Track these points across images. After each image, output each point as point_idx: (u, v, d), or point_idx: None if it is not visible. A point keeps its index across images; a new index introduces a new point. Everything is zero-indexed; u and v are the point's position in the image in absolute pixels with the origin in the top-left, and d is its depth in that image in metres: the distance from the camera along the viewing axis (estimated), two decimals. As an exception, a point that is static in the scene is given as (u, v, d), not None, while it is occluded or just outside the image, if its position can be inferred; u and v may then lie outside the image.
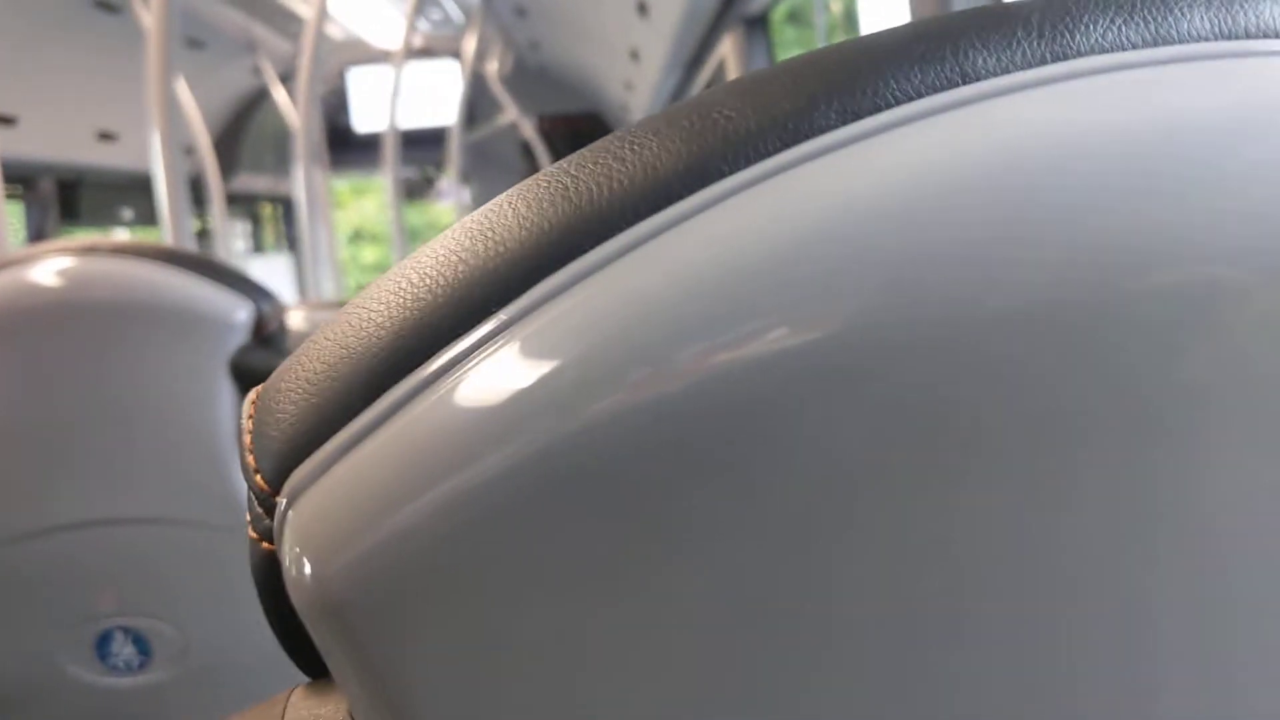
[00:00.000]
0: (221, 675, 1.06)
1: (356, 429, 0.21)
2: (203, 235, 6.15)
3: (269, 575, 0.22)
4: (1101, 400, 0.19)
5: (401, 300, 0.22)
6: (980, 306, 0.18)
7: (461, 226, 0.23)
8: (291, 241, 8.19)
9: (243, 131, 7.42)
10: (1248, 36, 0.21)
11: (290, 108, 5.48)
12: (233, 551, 1.02)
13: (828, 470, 0.19)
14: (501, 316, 0.20)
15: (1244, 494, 0.19)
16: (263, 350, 1.01)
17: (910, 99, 0.20)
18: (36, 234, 5.40)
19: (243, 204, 8.02)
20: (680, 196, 0.20)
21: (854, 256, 0.19)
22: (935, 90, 0.20)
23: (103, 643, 1.05)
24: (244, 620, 1.06)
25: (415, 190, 8.11)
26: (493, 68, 6.57)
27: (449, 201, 7.04)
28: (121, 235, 6.42)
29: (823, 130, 0.20)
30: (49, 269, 0.99)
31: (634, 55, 4.98)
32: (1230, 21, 0.21)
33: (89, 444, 1.01)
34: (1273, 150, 0.19)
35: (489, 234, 0.22)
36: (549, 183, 0.22)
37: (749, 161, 0.20)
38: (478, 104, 6.93)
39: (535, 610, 0.19)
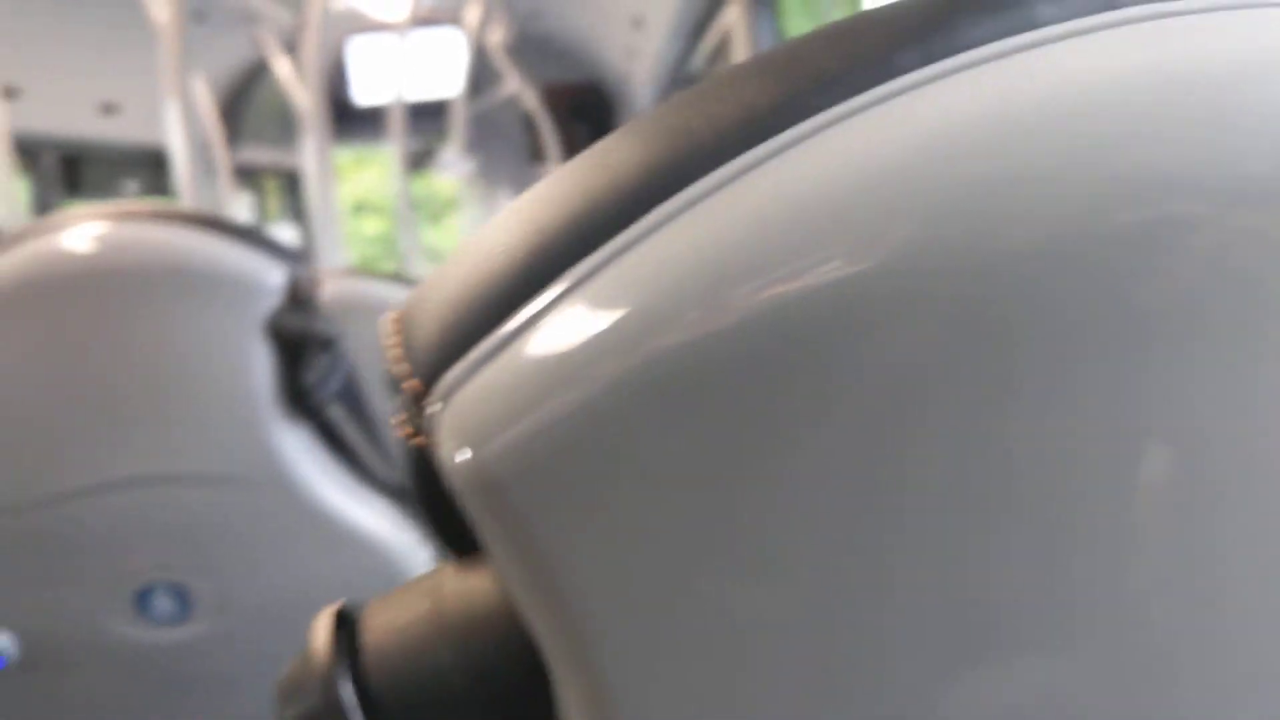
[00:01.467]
0: (260, 627, 1.09)
1: (502, 335, 0.23)
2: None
3: (421, 467, 0.25)
4: (1133, 312, 0.21)
5: (527, 227, 0.24)
6: (1046, 229, 0.21)
7: (574, 165, 0.25)
8: (295, 213, 8.21)
9: (245, 104, 7.42)
10: None
11: (292, 80, 5.49)
12: (270, 505, 1.05)
13: (889, 383, 0.21)
14: (624, 237, 0.23)
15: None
16: (297, 313, 1.04)
17: (983, 43, 0.23)
18: (41, 208, 5.42)
19: (246, 176, 8.03)
20: (776, 130, 0.23)
21: (924, 188, 0.21)
22: (1005, 35, 0.23)
23: (143, 598, 1.09)
24: (281, 571, 1.10)
25: (417, 161, 8.11)
26: (495, 37, 6.56)
27: (452, 173, 7.05)
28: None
29: (904, 71, 0.23)
30: (84, 234, 1.02)
31: (636, 23, 4.99)
32: None
33: (127, 405, 1.04)
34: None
35: (603, 169, 0.24)
36: (653, 122, 0.24)
37: (839, 98, 0.23)
38: (479, 74, 6.93)
39: (660, 497, 0.22)
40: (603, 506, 0.22)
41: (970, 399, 0.21)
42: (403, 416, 0.25)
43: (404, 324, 0.26)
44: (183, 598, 1.09)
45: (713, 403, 0.22)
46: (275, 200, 8.69)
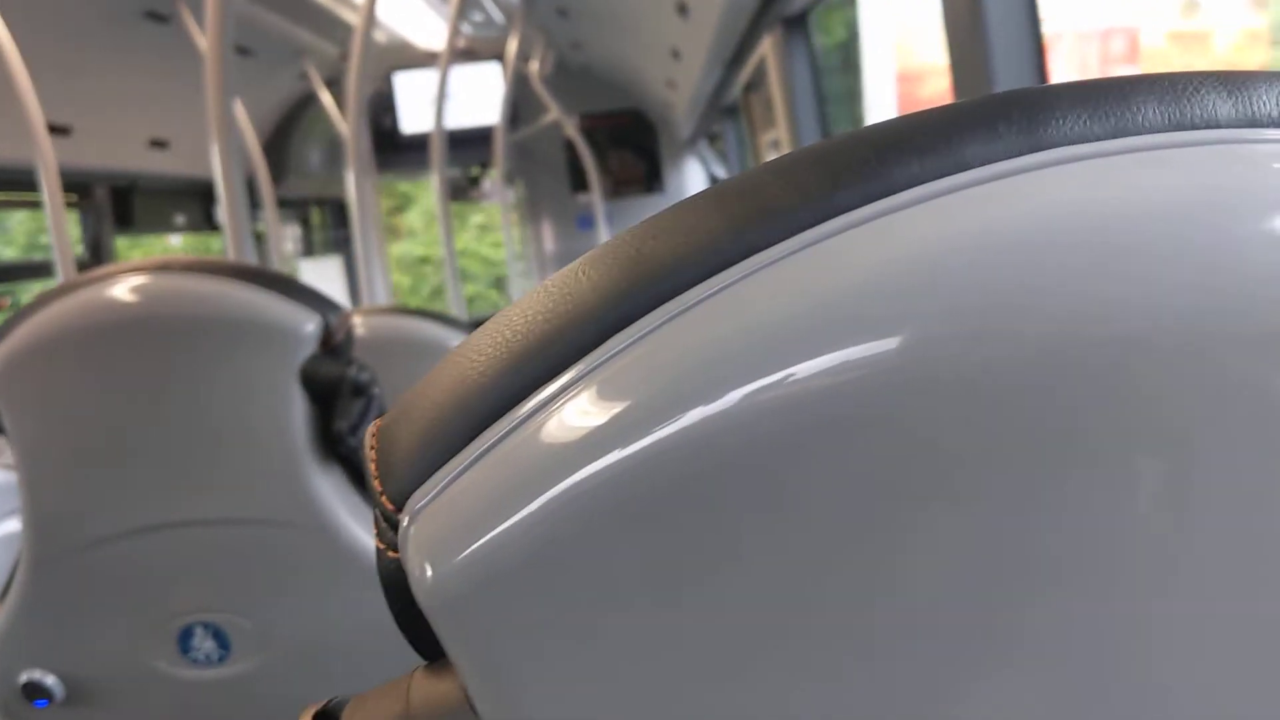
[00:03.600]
0: (298, 666, 1.12)
1: (467, 457, 0.26)
2: (255, 239, 6.25)
3: (394, 579, 0.27)
4: (1103, 426, 0.23)
5: (497, 354, 0.27)
6: (968, 361, 0.23)
7: (544, 288, 0.27)
8: (339, 244, 8.30)
9: (291, 137, 7.54)
10: (1194, 127, 0.25)
11: (337, 113, 5.58)
12: (306, 547, 1.08)
13: (856, 497, 0.23)
14: (581, 366, 0.25)
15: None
16: (330, 359, 1.07)
17: (912, 185, 0.25)
18: (93, 241, 5.52)
19: (292, 208, 8.13)
20: (728, 265, 0.25)
21: (868, 316, 0.23)
22: (934, 177, 0.25)
23: (185, 637, 1.12)
24: (318, 612, 1.12)
25: (460, 191, 8.19)
26: (535, 68, 6.63)
27: (494, 201, 7.12)
28: (175, 240, 6.53)
29: (847, 209, 0.25)
30: (126, 286, 1.06)
31: (675, 54, 5.02)
32: (1179, 114, 0.25)
33: (168, 450, 1.07)
34: (1211, 228, 0.23)
35: (567, 297, 0.26)
36: (616, 250, 0.27)
37: (786, 234, 0.25)
38: (521, 104, 7.00)
39: (609, 608, 0.24)
40: (557, 620, 0.24)
41: (940, 507, 0.23)
42: (377, 530, 0.28)
43: (382, 439, 0.28)
44: (223, 637, 1.12)
45: (665, 519, 0.24)
46: (321, 232, 8.79)
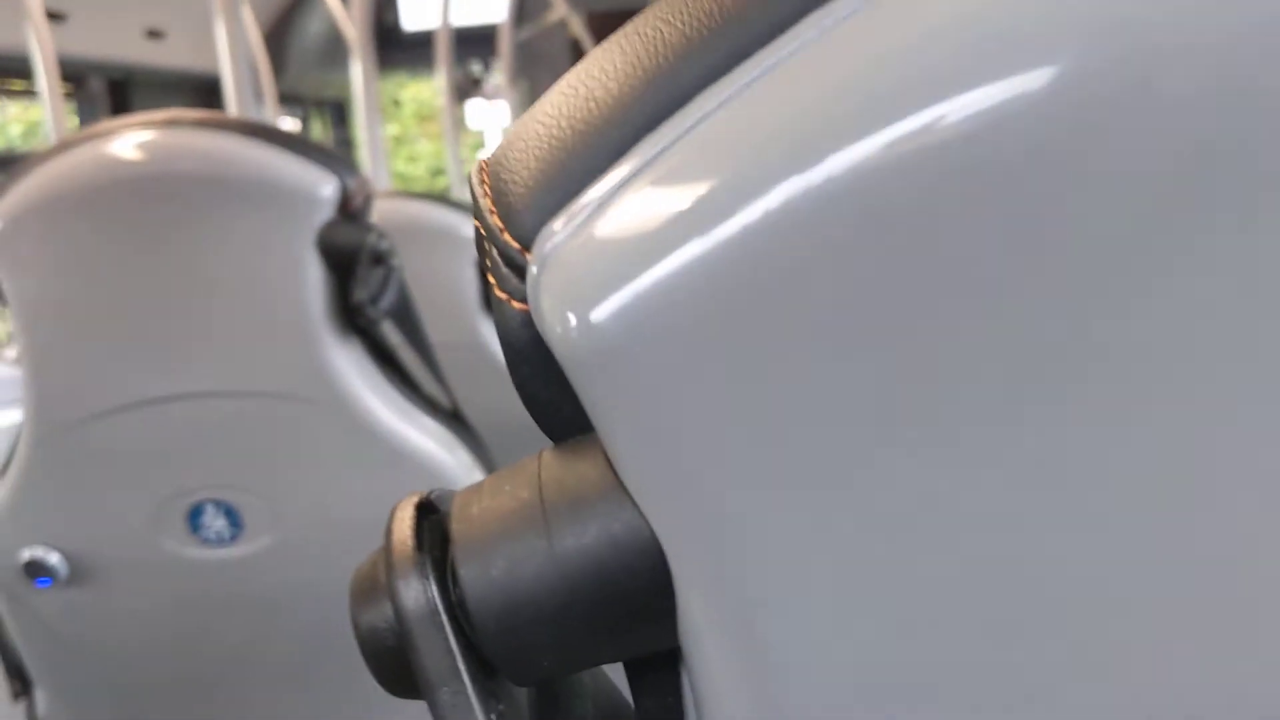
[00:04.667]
0: (311, 545, 1.08)
1: (614, 180, 0.20)
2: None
3: (520, 336, 0.21)
4: None
5: (639, 57, 0.21)
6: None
7: (657, 9, 0.22)
8: (340, 143, 8.18)
9: (290, 32, 7.37)
10: None
11: (338, 5, 5.43)
12: (322, 423, 1.03)
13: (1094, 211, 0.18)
14: (752, 65, 0.19)
15: None
16: (349, 226, 1.01)
17: None
18: (89, 134, 5.43)
19: (291, 105, 8.00)
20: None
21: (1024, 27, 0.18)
22: None
23: (194, 515, 1.07)
24: (333, 489, 1.07)
25: (462, 92, 8.05)
26: (542, -37, 6.47)
27: (499, 102, 6.99)
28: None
29: None
30: (131, 141, 0.99)
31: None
32: None
33: (175, 317, 1.01)
34: None
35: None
36: None
37: None
38: (526, 1, 6.84)
39: (817, 357, 0.18)
40: (742, 370, 0.19)
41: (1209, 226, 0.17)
42: (496, 278, 0.22)
43: (494, 173, 0.23)
44: (234, 516, 1.07)
45: (884, 238, 0.18)
46: (323, 130, 8.67)
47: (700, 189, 0.19)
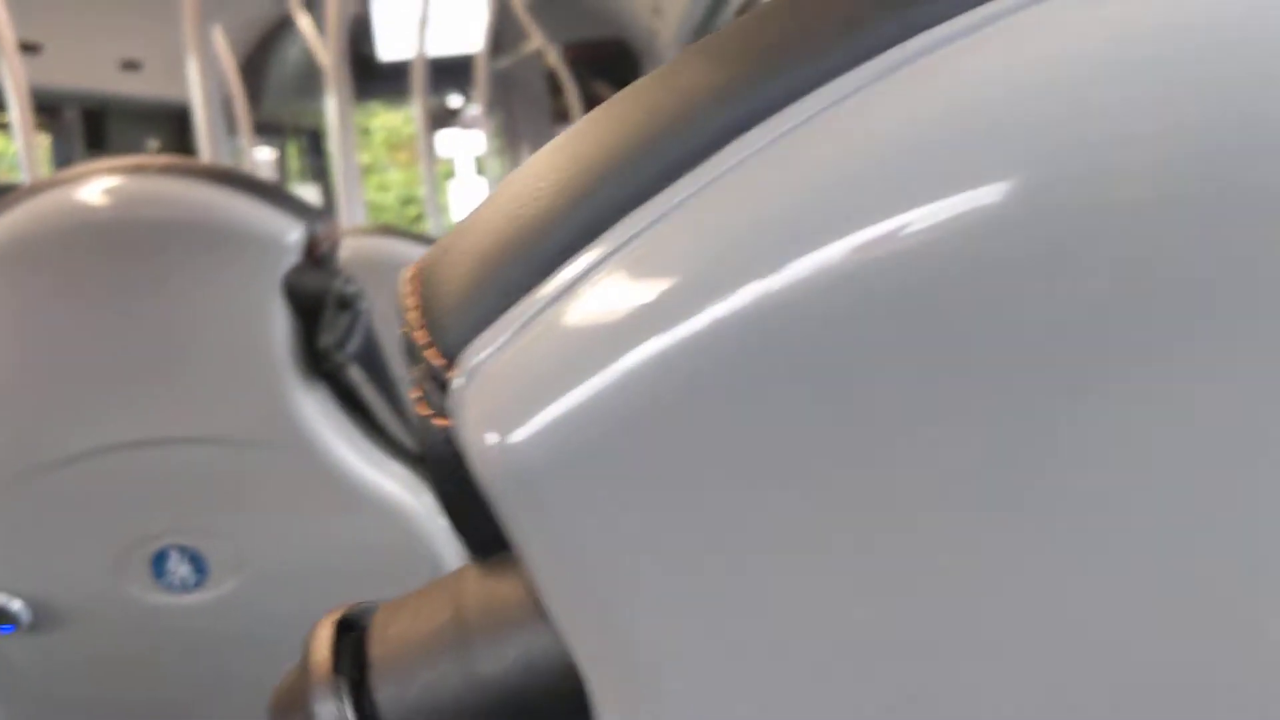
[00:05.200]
0: (277, 590, 1.07)
1: (541, 297, 0.20)
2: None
3: (443, 453, 0.21)
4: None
5: (574, 170, 0.21)
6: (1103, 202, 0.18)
7: (622, 97, 0.22)
8: (316, 172, 8.17)
9: (267, 63, 7.37)
10: None
11: (315, 36, 5.44)
12: (288, 468, 1.03)
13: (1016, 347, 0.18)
14: (694, 177, 0.20)
15: None
16: (315, 271, 1.01)
17: None
18: (63, 165, 5.41)
19: (268, 135, 8.00)
20: (815, 87, 0.19)
21: (986, 140, 0.18)
22: None
23: (158, 561, 1.06)
24: (298, 534, 1.07)
25: (438, 120, 8.06)
26: (518, -7, 6.49)
27: (476, 130, 7.00)
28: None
29: (935, 21, 0.19)
30: (97, 187, 0.99)
31: (663, -21, 4.92)
32: None
33: (143, 363, 1.01)
34: None
35: (670, 95, 0.21)
36: (729, 40, 0.21)
37: (863, 59, 0.19)
38: (503, 31, 6.85)
39: (726, 485, 0.19)
40: (654, 499, 0.19)
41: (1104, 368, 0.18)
42: (421, 391, 0.22)
43: (424, 282, 0.23)
44: (199, 561, 1.06)
45: (801, 372, 0.18)
46: (298, 160, 8.65)
47: (619, 315, 0.19)
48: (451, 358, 0.21)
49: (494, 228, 0.22)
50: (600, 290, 0.19)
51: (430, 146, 4.81)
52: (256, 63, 7.19)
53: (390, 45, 7.11)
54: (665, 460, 0.19)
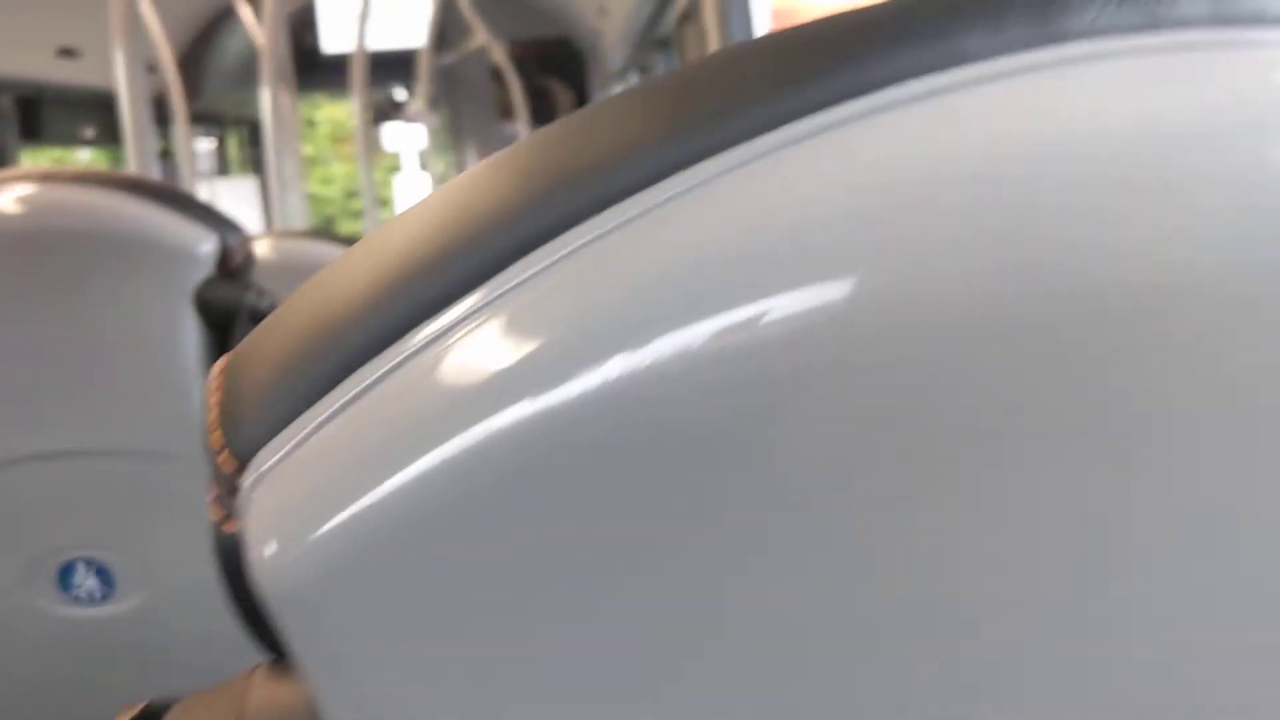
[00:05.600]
0: (185, 605, 1.06)
1: (332, 403, 0.20)
2: (166, 155, 6.05)
3: (231, 556, 0.21)
4: (1079, 402, 0.18)
5: (376, 275, 0.21)
6: (947, 304, 0.18)
7: (439, 197, 0.22)
8: (257, 164, 8.07)
9: (209, 51, 7.27)
10: (1244, 23, 0.20)
11: (256, 26, 5.37)
12: (196, 480, 1.02)
13: (828, 468, 0.18)
14: (482, 293, 0.20)
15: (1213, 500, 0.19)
16: (228, 283, 1.00)
17: (900, 81, 0.20)
18: (-2, 152, 5.31)
19: (209, 124, 7.88)
20: (664, 177, 0.20)
21: (831, 247, 0.18)
22: (925, 72, 0.20)
23: (65, 574, 1.05)
24: (207, 549, 1.06)
25: (383, 114, 7.99)
26: (464, -11, 6.44)
27: (419, 125, 6.95)
28: (84, 154, 6.30)
29: (808, 113, 0.19)
30: (6, 197, 0.97)
31: (607, -20, 4.91)
32: (1230, 5, 0.20)
33: (50, 375, 1.00)
34: (1262, 152, 0.19)
35: (468, 207, 0.21)
36: (531, 151, 0.21)
37: (733, 144, 0.20)
38: (449, 27, 6.80)
39: (506, 604, 0.19)
40: (439, 619, 0.19)
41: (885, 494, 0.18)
42: (214, 493, 0.22)
43: (230, 376, 0.23)
44: (106, 575, 1.05)
45: (570, 493, 0.19)
46: (239, 151, 8.54)
47: (401, 427, 0.19)
48: (244, 462, 0.21)
49: (300, 323, 0.22)
50: (390, 397, 0.20)
51: (368, 142, 4.77)
52: (197, 52, 7.09)
53: (334, 37, 7.04)
54: (431, 585, 0.19)
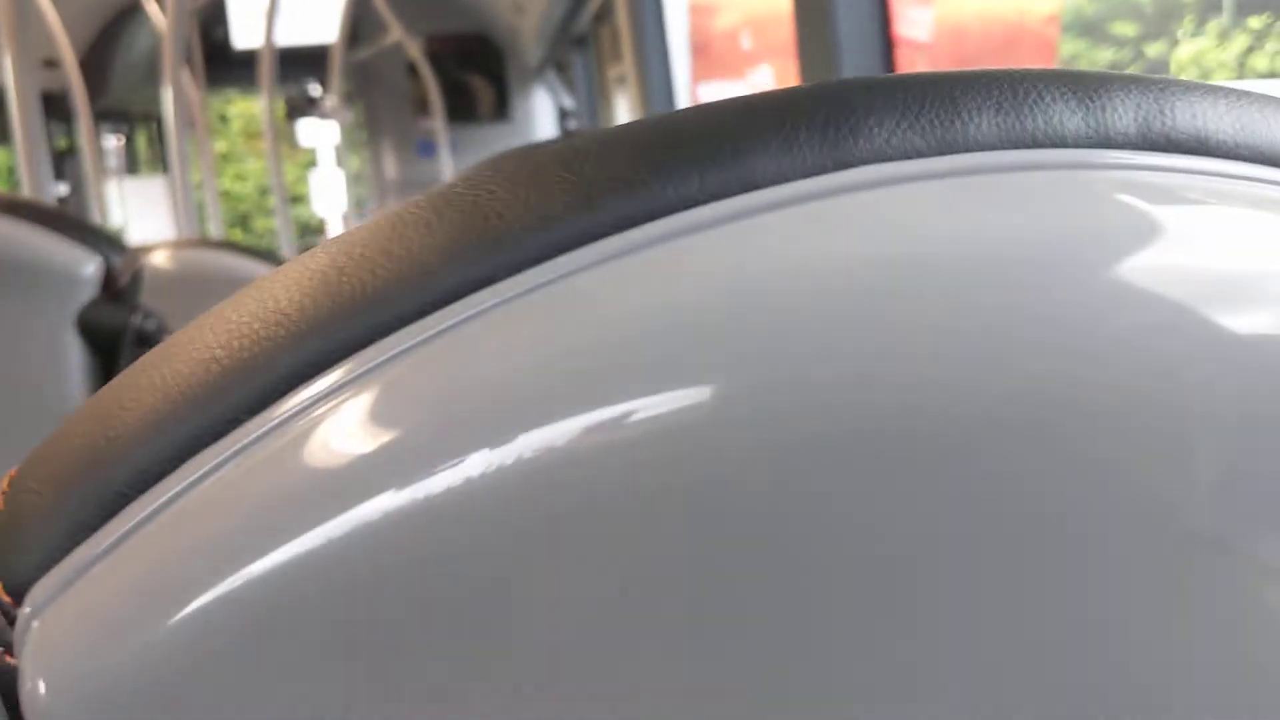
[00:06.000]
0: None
1: (115, 531, 0.19)
2: (70, 153, 5.91)
3: (8, 688, 0.21)
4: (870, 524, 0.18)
5: (156, 398, 0.20)
6: (744, 432, 0.18)
7: (221, 312, 0.21)
8: (164, 161, 7.92)
9: (116, 46, 7.11)
10: (1036, 145, 0.20)
11: (162, 20, 5.26)
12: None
13: (620, 578, 0.18)
14: (259, 420, 0.19)
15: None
16: (112, 306, 0.97)
17: (690, 205, 0.19)
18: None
19: (117, 121, 7.72)
20: (445, 301, 0.19)
21: (618, 374, 0.18)
22: (715, 198, 0.19)
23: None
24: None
25: (297, 109, 7.88)
26: (377, -16, 6.37)
27: (335, 121, 6.85)
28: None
29: (597, 236, 0.19)
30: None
31: (522, -23, 4.89)
32: (1019, 127, 0.20)
33: (-75, 403, 0.97)
34: (1053, 278, 0.18)
35: (248, 328, 0.20)
36: (312, 266, 0.21)
37: (521, 265, 0.19)
38: (364, 22, 6.72)
39: None
40: None
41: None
42: None
43: (8, 501, 0.22)
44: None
45: (342, 636, 0.18)
46: (150, 149, 8.38)
47: (178, 561, 0.18)
48: (21, 592, 0.20)
49: (76, 448, 0.21)
50: (150, 543, 0.19)
51: (279, 139, 4.69)
52: (103, 46, 6.93)
53: (245, 33, 6.92)
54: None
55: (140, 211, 7.37)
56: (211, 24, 6.76)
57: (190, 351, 0.21)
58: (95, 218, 4.72)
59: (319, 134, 7.57)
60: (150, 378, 0.21)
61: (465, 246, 0.19)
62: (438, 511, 0.17)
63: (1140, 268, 0.19)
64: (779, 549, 0.18)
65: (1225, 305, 0.19)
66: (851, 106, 0.20)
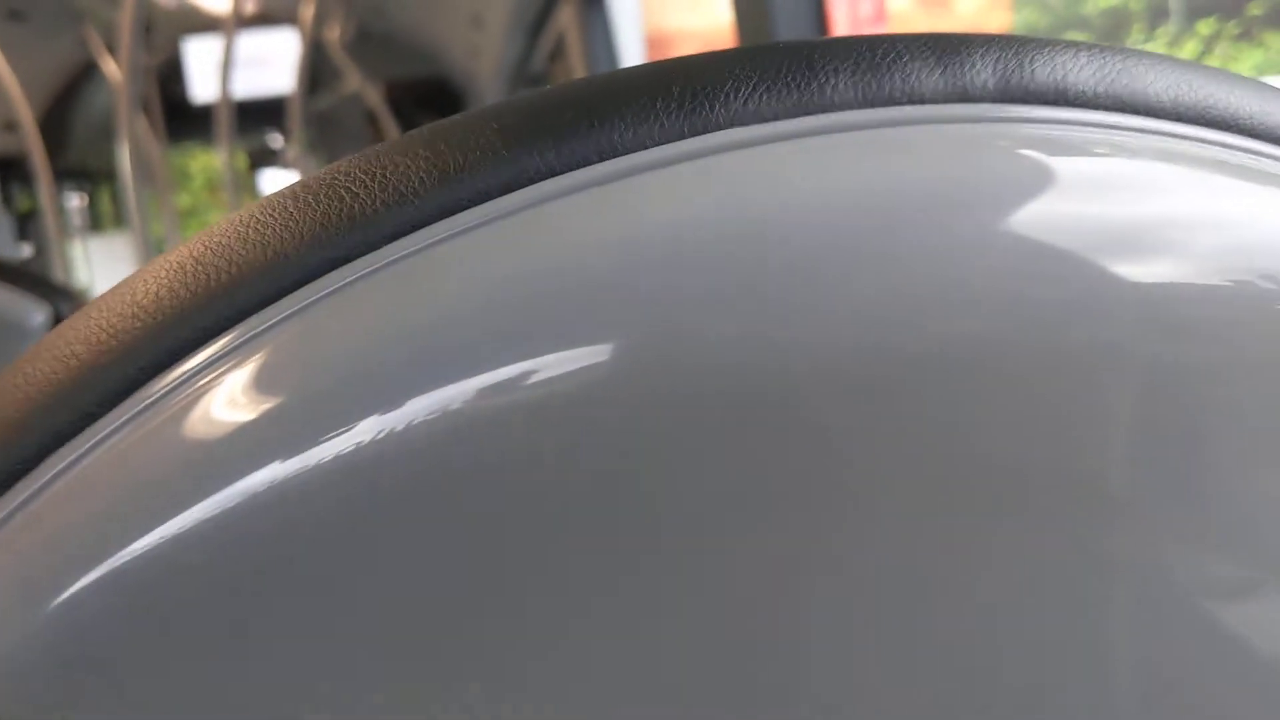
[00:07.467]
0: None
1: (29, 487, 0.20)
2: (33, 214, 5.89)
3: None
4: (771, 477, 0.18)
5: (18, 398, 0.21)
6: (616, 397, 0.18)
7: (102, 302, 0.22)
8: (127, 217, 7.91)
9: (75, 106, 7.11)
10: (894, 103, 0.21)
11: (118, 75, 5.26)
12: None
13: (537, 522, 0.18)
14: (129, 403, 0.19)
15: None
16: (62, 353, 0.97)
17: (548, 176, 0.20)
18: None
19: (79, 180, 7.70)
20: (302, 282, 0.19)
21: (474, 342, 0.18)
22: (573, 167, 0.20)
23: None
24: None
25: (260, 160, 7.89)
26: (334, 34, 6.39)
27: (297, 171, 6.86)
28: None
29: (455, 210, 0.19)
30: None
31: (475, 22, 4.92)
32: (877, 86, 0.21)
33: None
34: (910, 231, 0.19)
35: (117, 315, 0.20)
36: (172, 258, 0.21)
37: (378, 242, 0.19)
38: (323, 71, 6.75)
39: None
40: None
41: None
42: None
43: None
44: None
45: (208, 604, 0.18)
46: (113, 207, 8.36)
47: (25, 568, 0.19)
48: None
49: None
50: (14, 536, 0.19)
51: (240, 191, 4.70)
52: (62, 107, 6.93)
53: (204, 86, 6.93)
54: (111, 686, 0.18)
55: (105, 269, 7.35)
56: (170, 78, 6.76)
57: (52, 350, 0.21)
58: (59, 277, 4.70)
59: (282, 184, 7.56)
60: (15, 379, 0.21)
61: (321, 229, 0.20)
62: (292, 490, 0.18)
63: (1004, 215, 0.19)
64: (669, 506, 0.18)
65: (1095, 251, 0.19)
66: (709, 74, 0.20)
